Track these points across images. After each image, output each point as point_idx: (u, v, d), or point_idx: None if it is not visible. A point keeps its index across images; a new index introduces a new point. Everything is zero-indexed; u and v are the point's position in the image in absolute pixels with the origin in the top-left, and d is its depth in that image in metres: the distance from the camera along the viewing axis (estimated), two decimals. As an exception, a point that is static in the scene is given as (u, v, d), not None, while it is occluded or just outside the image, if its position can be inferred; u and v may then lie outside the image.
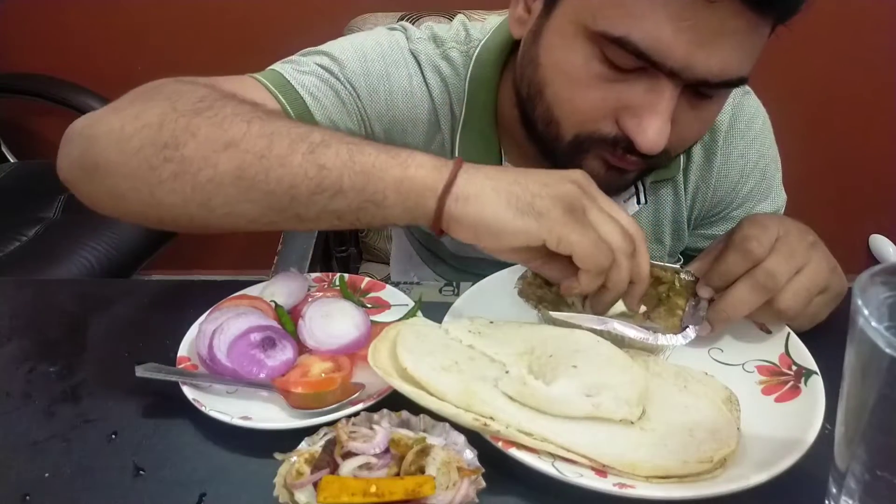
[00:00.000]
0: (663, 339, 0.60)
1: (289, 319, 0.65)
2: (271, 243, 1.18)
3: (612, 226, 0.57)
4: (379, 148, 0.58)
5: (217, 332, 0.61)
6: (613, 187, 0.69)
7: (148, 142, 0.58)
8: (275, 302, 0.66)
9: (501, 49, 0.76)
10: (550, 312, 0.62)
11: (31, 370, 0.64)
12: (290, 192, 0.57)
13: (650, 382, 0.58)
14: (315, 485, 0.46)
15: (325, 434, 0.51)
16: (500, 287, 0.69)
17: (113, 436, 0.57)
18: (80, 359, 0.65)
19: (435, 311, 0.66)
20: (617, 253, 0.57)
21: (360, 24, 1.26)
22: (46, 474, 0.54)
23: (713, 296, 0.64)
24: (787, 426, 0.54)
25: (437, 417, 0.52)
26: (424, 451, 0.49)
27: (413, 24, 0.96)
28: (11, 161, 1.90)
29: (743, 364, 0.63)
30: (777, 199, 0.86)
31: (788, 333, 0.64)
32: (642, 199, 0.79)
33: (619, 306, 0.67)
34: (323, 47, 0.78)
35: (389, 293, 0.70)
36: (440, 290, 0.76)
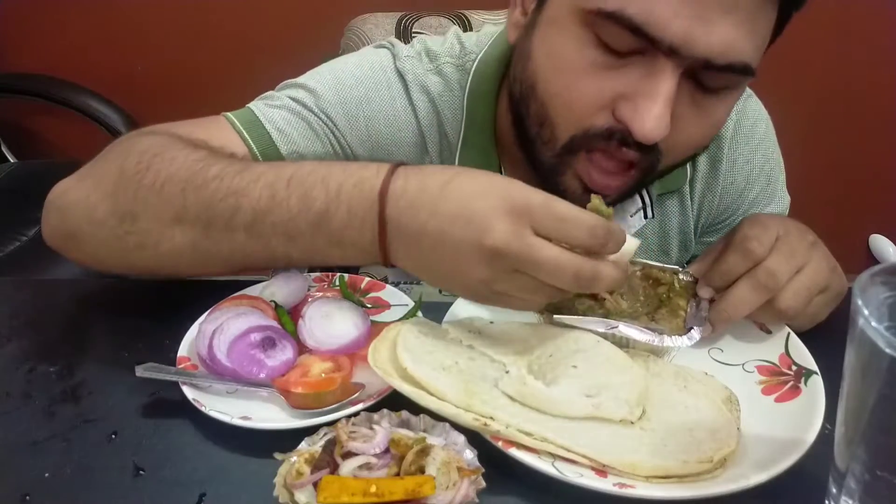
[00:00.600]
0: (669, 341, 0.60)
1: (289, 319, 0.65)
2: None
3: (548, 271, 0.51)
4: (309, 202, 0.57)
5: (217, 332, 0.61)
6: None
7: (109, 213, 0.62)
8: (275, 302, 0.66)
9: (499, 61, 0.74)
10: (554, 316, 0.62)
11: (31, 370, 0.64)
12: (243, 262, 0.61)
13: (650, 382, 0.58)
14: (315, 485, 0.46)
15: (325, 434, 0.51)
16: (500, 287, 0.69)
17: (113, 436, 0.57)
18: (80, 359, 0.65)
19: (435, 311, 0.66)
20: (576, 280, 0.52)
21: (359, 24, 1.26)
22: (46, 474, 0.54)
23: (713, 296, 0.64)
24: (787, 426, 0.54)
25: (437, 417, 0.52)
26: (424, 451, 0.49)
27: (413, 24, 0.96)
28: (11, 161, 1.90)
29: (743, 364, 0.63)
30: (781, 201, 0.86)
31: (788, 333, 0.64)
32: (649, 214, 0.78)
33: (622, 307, 0.67)
34: (300, 79, 0.77)
35: (389, 293, 0.70)
36: (440, 290, 0.76)
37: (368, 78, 0.76)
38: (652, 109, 0.57)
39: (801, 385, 0.59)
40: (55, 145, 2.03)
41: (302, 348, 0.63)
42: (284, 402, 0.57)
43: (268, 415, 0.57)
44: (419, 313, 0.66)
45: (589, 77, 0.60)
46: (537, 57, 0.64)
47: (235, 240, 0.59)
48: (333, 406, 0.56)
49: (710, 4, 0.54)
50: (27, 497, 0.52)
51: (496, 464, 0.51)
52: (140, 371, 0.58)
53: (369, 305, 0.68)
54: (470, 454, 0.50)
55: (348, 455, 0.49)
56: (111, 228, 0.62)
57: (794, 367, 0.61)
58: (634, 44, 0.57)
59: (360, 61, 0.78)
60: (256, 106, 0.75)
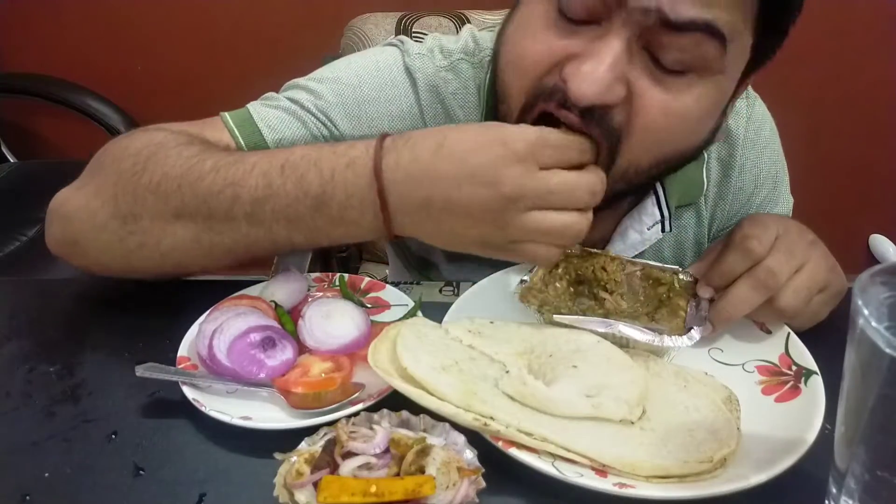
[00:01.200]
0: (669, 341, 0.60)
1: (289, 319, 0.65)
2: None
3: (552, 221, 0.55)
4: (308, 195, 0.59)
5: (217, 332, 0.61)
6: None
7: (110, 216, 0.63)
8: (275, 302, 0.66)
9: None
10: (554, 316, 0.62)
11: (31, 370, 0.64)
12: (248, 250, 0.62)
13: (650, 382, 0.58)
14: (315, 485, 0.46)
15: (325, 434, 0.51)
16: (500, 287, 0.70)
17: (113, 436, 0.57)
18: (80, 359, 0.65)
19: (435, 311, 0.66)
20: (592, 194, 0.56)
21: (360, 24, 1.26)
22: (46, 474, 0.54)
23: (713, 296, 0.64)
24: (787, 426, 0.54)
25: (437, 417, 0.52)
26: (424, 451, 0.49)
27: (413, 24, 0.95)
28: (11, 161, 1.90)
29: (743, 364, 0.63)
30: (786, 203, 0.86)
31: (788, 333, 0.64)
32: (667, 227, 0.77)
33: (622, 307, 0.67)
34: (302, 80, 0.77)
35: (389, 293, 0.70)
36: (440, 290, 0.76)
37: (373, 77, 0.75)
38: (593, 69, 0.54)
39: (801, 385, 0.59)
40: (55, 145, 2.03)
41: (302, 348, 0.63)
42: (284, 402, 0.57)
43: (268, 415, 0.57)
44: (419, 313, 0.66)
45: (542, 39, 0.59)
46: (506, 32, 0.64)
47: (237, 229, 0.60)
48: (333, 406, 0.56)
49: None
50: (27, 497, 0.52)
51: (496, 464, 0.51)
52: (140, 371, 0.58)
53: (369, 305, 0.68)
54: (470, 454, 0.50)
55: (348, 455, 0.49)
56: (113, 232, 0.63)
57: (794, 367, 0.61)
58: (589, 4, 0.55)
59: (366, 60, 0.77)
60: (254, 105, 0.75)
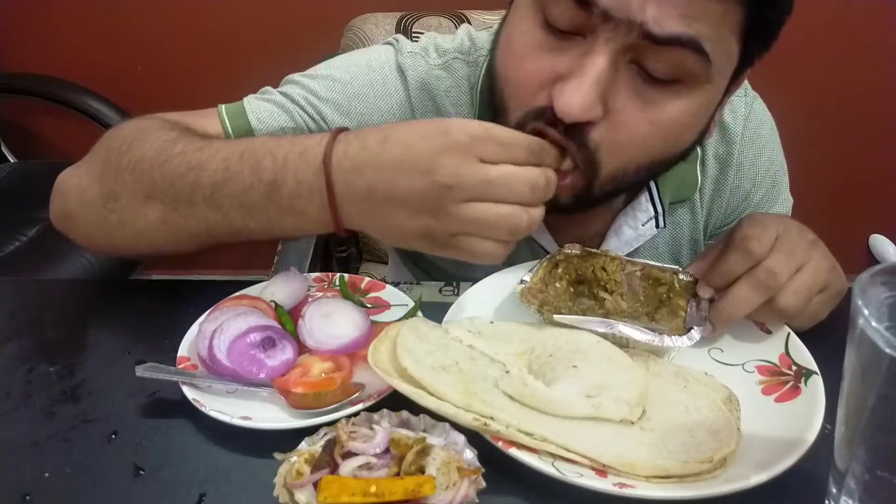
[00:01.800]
0: (669, 341, 0.60)
1: (289, 319, 0.65)
2: (271, 243, 1.18)
3: (488, 212, 0.53)
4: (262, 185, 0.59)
5: (217, 332, 0.61)
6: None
7: (97, 194, 0.66)
8: (275, 302, 0.66)
9: None
10: (554, 316, 0.62)
11: (31, 370, 0.64)
12: (209, 235, 0.63)
13: (650, 382, 0.58)
14: (315, 485, 0.46)
15: (325, 434, 0.51)
16: (500, 287, 0.69)
17: (113, 436, 0.57)
18: (80, 359, 0.65)
19: (435, 311, 0.66)
20: (532, 189, 0.54)
21: (360, 24, 1.26)
22: (46, 474, 0.54)
23: (713, 296, 0.64)
24: (787, 426, 0.54)
25: (437, 417, 0.52)
26: (424, 451, 0.49)
27: (413, 24, 0.95)
28: (11, 161, 1.90)
29: (743, 364, 0.63)
30: (785, 203, 0.86)
31: (788, 333, 0.64)
32: (661, 223, 0.78)
33: (622, 307, 0.67)
34: (298, 75, 0.78)
35: (389, 293, 0.70)
36: (440, 290, 0.76)
37: (365, 74, 0.76)
38: (577, 87, 0.56)
39: (801, 385, 0.59)
40: (55, 145, 2.03)
41: (302, 348, 0.63)
42: (284, 402, 0.57)
43: (268, 415, 0.57)
44: (419, 313, 0.66)
45: (532, 57, 0.60)
46: (500, 43, 0.64)
47: (198, 213, 0.62)
48: (333, 406, 0.56)
49: None
50: (27, 497, 0.52)
51: (496, 464, 0.51)
52: (140, 371, 0.58)
53: (369, 305, 0.68)
54: (470, 454, 0.50)
55: (348, 455, 0.49)
56: (98, 208, 0.66)
57: (794, 367, 0.61)
58: (575, 17, 0.56)
59: (360, 58, 0.79)
60: (249, 99, 0.77)
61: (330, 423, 0.53)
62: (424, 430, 0.52)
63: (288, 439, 0.51)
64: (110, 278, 1.45)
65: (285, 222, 0.60)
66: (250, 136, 0.73)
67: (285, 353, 0.61)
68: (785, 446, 0.52)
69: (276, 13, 1.82)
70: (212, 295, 0.67)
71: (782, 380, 0.60)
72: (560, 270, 0.68)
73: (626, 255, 0.79)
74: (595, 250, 0.69)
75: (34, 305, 0.75)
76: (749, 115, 0.81)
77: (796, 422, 0.54)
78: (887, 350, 0.38)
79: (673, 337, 0.60)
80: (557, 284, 0.68)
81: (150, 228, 0.64)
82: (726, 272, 0.62)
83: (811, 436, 0.52)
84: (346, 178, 0.56)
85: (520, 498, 0.52)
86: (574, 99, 0.56)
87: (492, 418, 0.52)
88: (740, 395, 0.58)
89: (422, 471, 0.47)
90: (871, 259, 2.12)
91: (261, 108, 0.75)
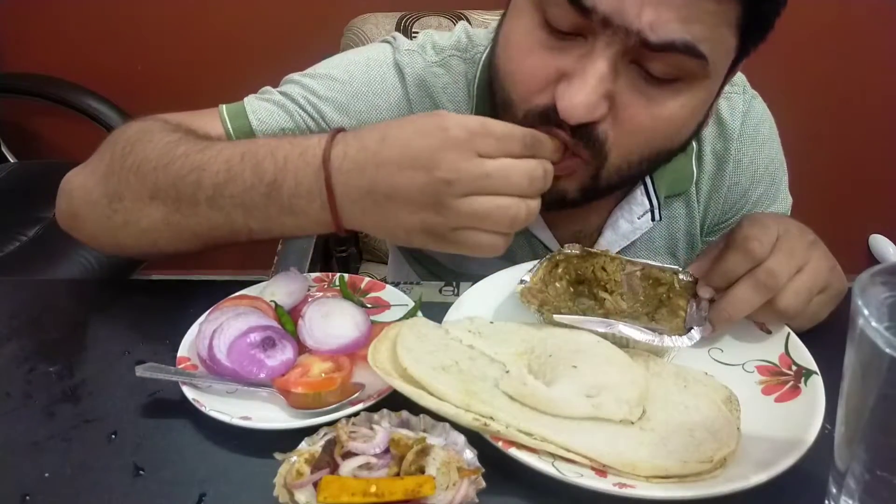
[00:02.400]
0: (669, 341, 0.60)
1: (289, 319, 0.65)
2: (271, 243, 1.18)
3: (487, 204, 0.54)
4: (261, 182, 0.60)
5: (217, 332, 0.61)
6: (547, 199, 0.61)
7: (101, 194, 0.66)
8: (275, 302, 0.66)
9: None
10: (554, 316, 0.62)
11: (31, 370, 0.64)
12: (210, 235, 0.64)
13: (650, 382, 0.58)
14: (315, 485, 0.46)
15: (325, 434, 0.51)
16: (500, 287, 0.69)
17: (113, 436, 0.57)
18: (80, 359, 0.65)
19: (435, 311, 0.66)
20: (530, 181, 0.55)
21: (360, 24, 1.26)
22: (46, 474, 0.54)
23: (713, 296, 0.64)
24: (787, 426, 0.54)
25: (437, 417, 0.52)
26: (424, 451, 0.49)
27: (413, 23, 0.95)
28: (11, 161, 1.90)
29: (743, 364, 0.63)
30: (784, 202, 0.86)
31: (788, 333, 0.64)
32: (657, 216, 0.78)
33: (622, 307, 0.67)
34: (298, 74, 0.79)
35: (389, 293, 0.70)
36: (440, 290, 0.76)
37: (363, 73, 0.77)
38: (580, 89, 0.57)
39: (801, 385, 0.59)
40: (55, 145, 2.03)
41: (302, 348, 0.63)
42: (284, 402, 0.57)
43: (268, 415, 0.57)
44: (419, 313, 0.66)
45: (534, 56, 0.61)
46: (500, 41, 0.65)
47: (200, 213, 0.62)
48: (333, 406, 0.56)
49: None
50: (27, 497, 0.52)
51: (496, 464, 0.51)
52: (140, 371, 0.58)
53: (369, 305, 0.68)
54: (470, 454, 0.50)
55: (348, 455, 0.49)
56: (102, 208, 0.66)
57: (794, 367, 0.61)
58: (574, 20, 0.57)
59: (357, 56, 0.79)
60: (249, 98, 0.77)
61: (330, 423, 0.53)
62: (424, 430, 0.52)
63: (288, 439, 0.51)
64: (110, 278, 1.45)
65: (286, 222, 0.60)
66: (251, 137, 0.73)
67: (285, 353, 0.61)
68: (785, 446, 0.52)
69: (276, 13, 1.82)
70: (212, 295, 0.67)
71: (782, 380, 0.60)
72: (560, 270, 0.68)
73: (622, 248, 0.79)
74: (595, 250, 0.69)
75: (34, 305, 0.75)
76: (748, 112, 0.81)
77: (796, 422, 0.54)
78: (887, 350, 0.38)
79: (673, 337, 0.60)
80: (557, 284, 0.68)
81: (153, 228, 0.65)
82: (727, 272, 0.62)
83: (811, 436, 0.52)
84: (346, 177, 0.56)
85: (520, 498, 0.52)
86: (578, 101, 0.57)
87: (492, 418, 0.52)
88: (740, 395, 0.58)
89: (422, 471, 0.47)
90: (871, 259, 2.12)
91: (261, 108, 0.75)
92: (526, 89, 0.62)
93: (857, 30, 1.79)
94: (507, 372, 0.57)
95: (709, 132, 0.80)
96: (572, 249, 0.69)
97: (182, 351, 0.62)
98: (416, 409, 0.53)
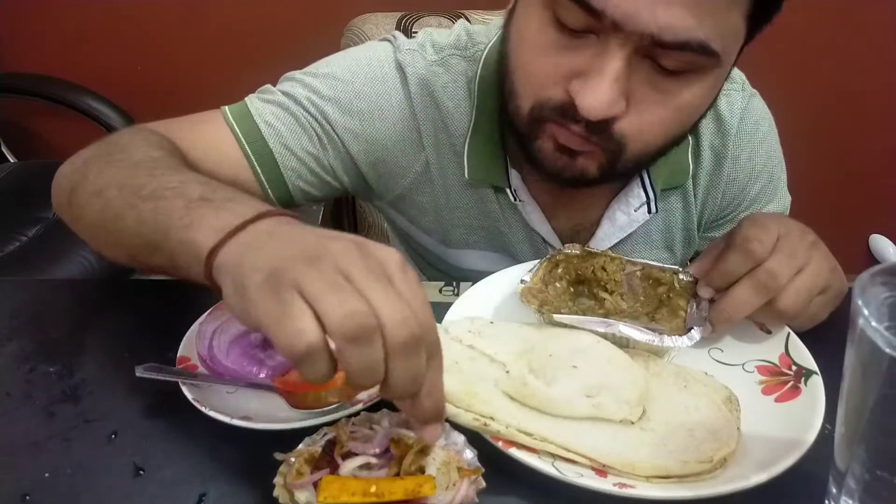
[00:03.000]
0: (669, 341, 0.60)
1: (289, 319, 0.64)
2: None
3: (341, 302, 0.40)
4: (195, 206, 0.52)
5: (217, 332, 0.61)
6: (567, 175, 0.66)
7: (70, 185, 0.65)
8: (275, 302, 0.66)
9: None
10: (554, 316, 0.62)
11: (31, 370, 0.64)
12: (133, 243, 0.57)
13: (650, 382, 0.58)
14: (315, 485, 0.46)
15: (325, 434, 0.51)
16: (500, 287, 0.70)
17: (113, 436, 0.57)
18: (80, 359, 0.65)
19: (435, 311, 0.65)
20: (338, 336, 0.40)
21: (360, 24, 1.26)
22: (46, 474, 0.54)
23: (713, 296, 0.64)
24: (787, 426, 0.54)
25: (437, 417, 0.52)
26: (424, 451, 0.49)
27: (413, 24, 0.95)
28: (11, 161, 1.90)
29: (743, 364, 0.63)
30: (782, 200, 0.86)
31: (788, 333, 0.64)
32: (653, 209, 0.79)
33: (622, 307, 0.67)
34: (299, 73, 0.79)
35: (389, 293, 0.70)
36: (440, 290, 0.76)
37: (364, 72, 0.77)
38: (597, 87, 0.58)
39: (801, 385, 0.59)
40: (55, 145, 2.02)
41: (302, 348, 0.62)
42: (284, 402, 0.57)
43: (268, 415, 0.57)
44: (419, 313, 0.66)
45: (546, 54, 0.61)
46: (510, 36, 0.66)
47: (125, 228, 0.57)
48: (333, 406, 0.56)
49: None
50: (27, 497, 0.52)
51: (496, 464, 0.51)
52: (140, 371, 0.58)
53: (369, 305, 0.68)
54: (470, 454, 0.50)
55: (348, 455, 0.49)
56: (66, 198, 0.65)
57: (794, 367, 0.61)
58: (586, 21, 0.57)
59: (359, 55, 0.79)
60: (251, 99, 0.77)
61: (330, 423, 0.53)
62: (424, 430, 0.52)
63: (288, 439, 0.51)
64: (110, 278, 1.45)
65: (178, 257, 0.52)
66: (262, 141, 0.73)
67: (285, 353, 0.61)
68: (785, 446, 0.52)
69: (276, 13, 1.82)
70: (212, 295, 0.66)
71: (782, 380, 0.60)
72: (560, 270, 0.68)
73: (619, 241, 0.80)
74: (595, 250, 0.69)
75: (34, 305, 0.75)
76: (746, 108, 0.81)
77: (796, 422, 0.54)
78: (887, 350, 0.38)
79: (673, 337, 0.60)
80: (557, 284, 0.68)
81: (94, 226, 0.62)
82: (727, 273, 0.62)
83: (811, 436, 0.52)
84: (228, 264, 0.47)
85: (520, 498, 0.52)
86: (596, 99, 0.58)
87: (492, 418, 0.52)
88: (740, 395, 0.58)
89: (422, 471, 0.47)
90: (871, 259, 2.12)
91: (266, 110, 0.75)
92: (537, 84, 0.63)
93: (857, 30, 1.79)
94: (508, 372, 0.57)
95: (707, 128, 0.80)
96: (572, 249, 0.69)
97: (182, 351, 0.62)
98: (416, 409, 0.53)
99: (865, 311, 0.39)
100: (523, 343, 0.60)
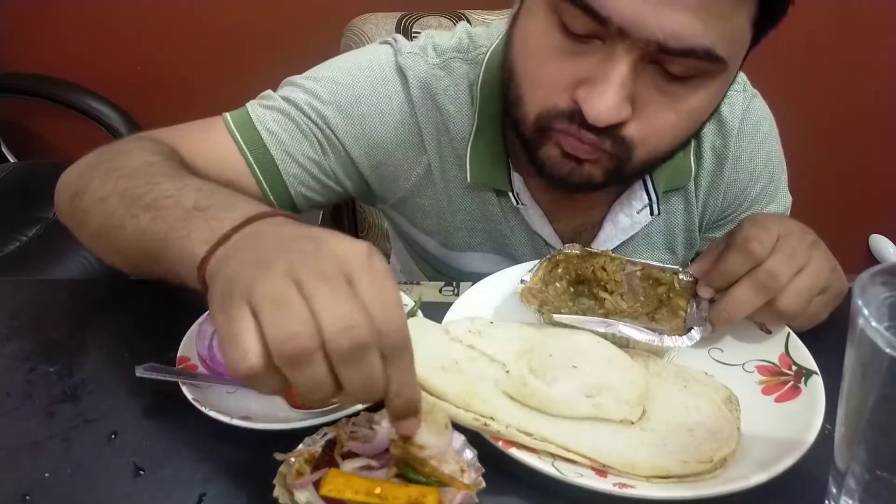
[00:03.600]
0: (669, 341, 0.60)
1: (289, 319, 0.64)
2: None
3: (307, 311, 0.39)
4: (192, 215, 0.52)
5: (217, 331, 0.61)
6: (574, 181, 0.66)
7: (73, 191, 0.65)
8: (275, 302, 0.66)
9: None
10: (554, 316, 0.62)
11: (31, 370, 0.64)
12: (135, 251, 0.57)
13: (650, 382, 0.58)
14: (315, 484, 0.46)
15: (325, 434, 0.51)
16: (500, 287, 0.70)
17: (113, 436, 0.57)
18: (80, 359, 0.65)
19: (435, 311, 0.66)
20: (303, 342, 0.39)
21: (359, 24, 1.26)
22: (46, 474, 0.54)
23: (714, 296, 0.64)
24: (787, 426, 0.54)
25: (438, 417, 0.52)
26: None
27: (413, 24, 0.95)
28: (11, 161, 1.90)
29: (743, 364, 0.63)
30: (783, 201, 0.86)
31: (788, 333, 0.64)
32: (655, 210, 0.79)
33: (622, 307, 0.67)
34: (299, 77, 0.78)
35: (389, 293, 0.70)
36: (440, 290, 0.76)
37: (365, 76, 0.76)
38: (603, 93, 0.58)
39: (801, 385, 0.59)
40: (55, 145, 2.02)
41: (302, 348, 0.62)
42: (284, 402, 0.57)
43: (268, 415, 0.57)
44: (419, 313, 0.66)
45: (552, 60, 0.61)
46: (515, 41, 0.66)
47: (125, 236, 0.57)
48: (333, 406, 0.56)
49: None
50: (27, 497, 0.52)
51: (496, 464, 0.51)
52: (140, 371, 0.58)
53: (369, 305, 0.68)
54: (470, 454, 0.50)
55: (348, 455, 0.49)
56: (71, 204, 0.66)
57: (794, 367, 0.61)
58: (591, 27, 0.57)
59: (359, 59, 0.79)
60: (252, 106, 0.77)
61: (330, 423, 0.53)
62: (424, 430, 0.52)
63: (288, 439, 0.51)
64: (110, 278, 1.45)
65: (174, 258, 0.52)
66: (264, 149, 0.74)
67: (285, 353, 0.61)
68: (785, 446, 0.52)
69: (276, 13, 1.82)
70: (212, 295, 0.67)
71: (782, 380, 0.60)
72: (560, 270, 0.68)
73: (621, 243, 0.80)
74: (595, 250, 0.69)
75: (34, 305, 0.75)
76: (747, 109, 0.81)
77: (796, 422, 0.54)
78: (887, 350, 0.38)
79: (673, 337, 0.60)
80: (557, 284, 0.68)
81: (96, 235, 0.62)
82: (727, 273, 0.62)
83: (811, 436, 0.52)
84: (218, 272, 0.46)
85: (520, 498, 0.52)
86: (603, 105, 0.58)
87: (492, 418, 0.52)
88: (740, 395, 0.58)
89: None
90: (871, 259, 2.12)
91: (267, 117, 0.75)
92: (542, 93, 0.63)
93: (857, 30, 1.79)
94: (508, 372, 0.57)
95: (708, 129, 0.80)
96: (572, 249, 0.69)
97: (182, 351, 0.62)
98: (416, 409, 0.53)
99: (865, 311, 0.39)
100: (523, 343, 0.60)
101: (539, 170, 0.68)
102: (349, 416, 0.53)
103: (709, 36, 0.56)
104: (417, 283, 0.78)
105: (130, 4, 1.82)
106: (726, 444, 0.52)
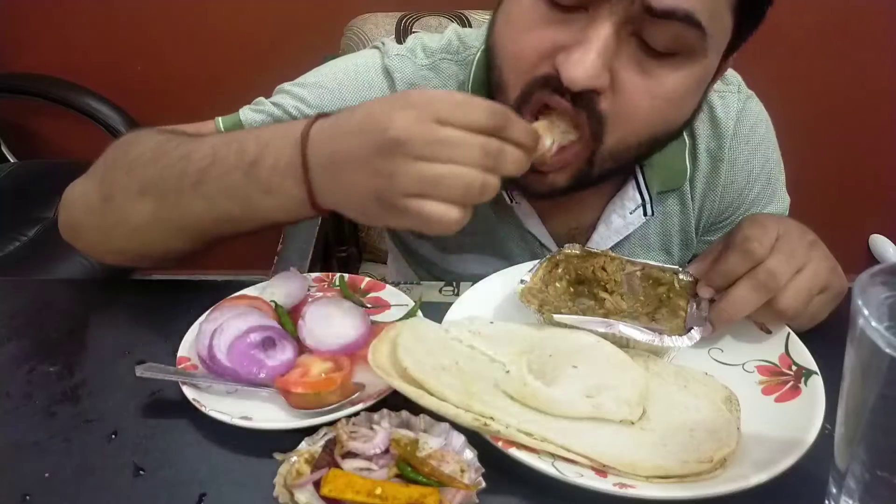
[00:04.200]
0: (669, 341, 0.60)
1: (289, 319, 0.65)
2: (271, 243, 1.18)
3: (438, 170, 0.50)
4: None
5: (217, 332, 0.61)
6: (535, 191, 0.66)
7: (96, 197, 0.68)
8: (275, 302, 0.66)
9: None
10: (554, 316, 0.62)
11: (31, 370, 0.64)
12: (196, 227, 0.64)
13: (650, 382, 0.58)
14: (315, 484, 0.46)
15: (325, 434, 0.51)
16: (500, 287, 0.70)
17: (113, 436, 0.57)
18: (80, 359, 0.65)
19: (435, 311, 0.66)
20: (484, 153, 0.51)
21: (359, 24, 1.26)
22: (46, 474, 0.54)
23: (713, 296, 0.64)
24: (787, 426, 0.54)
25: (437, 417, 0.52)
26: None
27: (413, 24, 0.95)
28: (11, 161, 1.90)
29: (743, 364, 0.63)
30: (782, 202, 0.87)
31: (788, 333, 0.64)
32: (649, 211, 0.79)
33: (622, 307, 0.67)
34: (289, 84, 0.80)
35: (389, 293, 0.70)
36: (440, 290, 0.76)
37: (351, 80, 0.77)
38: (584, 54, 0.58)
39: (801, 385, 0.59)
40: (55, 145, 2.02)
41: (302, 348, 0.63)
42: (284, 402, 0.57)
43: (268, 415, 0.57)
44: (419, 313, 0.66)
45: (534, 30, 0.61)
46: (498, 21, 0.66)
47: (184, 203, 0.62)
48: (333, 406, 0.56)
49: None
50: (27, 497, 0.52)
51: (496, 464, 0.51)
52: (140, 371, 0.58)
53: (369, 305, 0.68)
54: (470, 454, 0.50)
55: (348, 455, 0.49)
56: (97, 211, 0.67)
57: (794, 367, 0.61)
58: None
59: (346, 63, 0.80)
60: (244, 110, 0.78)
61: (330, 423, 0.53)
62: (424, 430, 0.52)
63: (288, 439, 0.51)
64: (110, 278, 1.45)
65: (265, 203, 0.59)
66: None
67: (285, 353, 0.61)
68: (785, 446, 0.52)
69: (275, 13, 1.82)
70: (212, 295, 0.67)
71: (782, 380, 0.60)
72: (560, 270, 0.68)
73: (616, 244, 0.80)
74: (595, 250, 0.69)
75: (34, 305, 0.75)
76: (742, 111, 0.81)
77: (796, 422, 0.54)
78: (887, 350, 0.38)
79: (673, 337, 0.60)
80: (557, 284, 0.68)
81: (142, 227, 0.65)
82: (726, 273, 0.62)
83: (811, 436, 0.52)
84: (317, 148, 0.56)
85: (520, 498, 0.52)
86: (581, 66, 0.58)
87: (492, 418, 0.52)
88: (740, 395, 0.58)
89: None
90: (871, 259, 2.12)
91: (256, 119, 0.77)
92: (523, 64, 0.62)
93: (856, 30, 1.79)
94: (508, 372, 0.57)
95: (703, 130, 0.80)
96: (572, 249, 0.69)
97: (182, 351, 0.62)
98: (416, 409, 0.53)
99: (865, 311, 0.39)
100: (523, 343, 0.60)
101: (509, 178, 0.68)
102: (349, 416, 0.53)
103: (690, 1, 0.56)
104: (417, 283, 0.78)
105: (130, 4, 1.83)
106: (726, 444, 0.52)
